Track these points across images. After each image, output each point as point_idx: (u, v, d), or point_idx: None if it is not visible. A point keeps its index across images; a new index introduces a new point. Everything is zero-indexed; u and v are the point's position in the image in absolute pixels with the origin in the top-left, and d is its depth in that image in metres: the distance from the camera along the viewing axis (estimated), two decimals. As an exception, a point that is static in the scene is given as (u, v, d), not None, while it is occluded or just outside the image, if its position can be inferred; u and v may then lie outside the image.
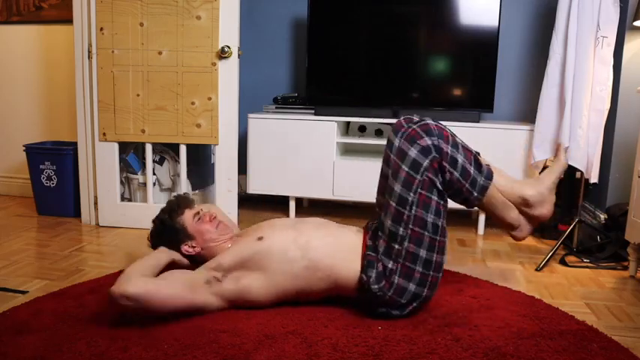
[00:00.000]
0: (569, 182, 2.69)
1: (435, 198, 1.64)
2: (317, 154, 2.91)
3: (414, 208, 1.62)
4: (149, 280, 1.61)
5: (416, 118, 1.68)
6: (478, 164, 1.69)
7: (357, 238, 1.75)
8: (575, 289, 2.08)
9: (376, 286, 1.63)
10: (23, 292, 1.91)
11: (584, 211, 2.81)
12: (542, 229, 2.83)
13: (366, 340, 1.55)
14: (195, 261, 1.86)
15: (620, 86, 2.57)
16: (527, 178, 1.81)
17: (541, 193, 1.82)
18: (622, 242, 2.34)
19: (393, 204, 1.64)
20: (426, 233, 1.63)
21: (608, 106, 2.46)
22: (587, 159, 2.49)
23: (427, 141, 1.61)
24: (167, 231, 1.86)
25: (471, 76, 2.85)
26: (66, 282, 2.02)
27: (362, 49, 2.94)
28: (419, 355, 1.47)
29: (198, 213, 1.87)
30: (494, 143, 2.72)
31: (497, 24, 2.74)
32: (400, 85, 2.91)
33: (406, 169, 1.62)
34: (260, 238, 1.73)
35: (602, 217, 2.61)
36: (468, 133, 2.74)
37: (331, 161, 2.90)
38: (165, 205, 1.92)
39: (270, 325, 1.63)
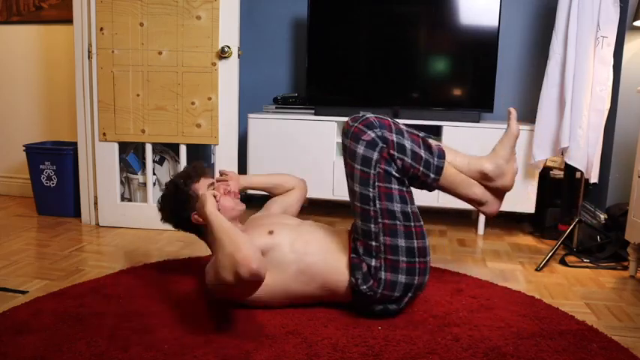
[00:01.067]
0: (570, 182, 2.69)
1: (395, 187, 1.63)
2: (317, 154, 2.91)
3: (377, 202, 1.62)
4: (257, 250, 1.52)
5: (358, 115, 1.66)
6: (427, 146, 1.68)
7: (344, 242, 1.75)
8: (575, 289, 2.08)
9: (365, 287, 1.64)
10: (23, 292, 1.91)
11: (584, 211, 2.81)
12: (542, 229, 2.84)
13: (366, 340, 1.55)
14: (201, 232, 1.85)
15: (620, 86, 2.57)
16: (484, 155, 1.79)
17: (498, 164, 1.78)
18: (622, 242, 2.34)
19: (358, 204, 1.65)
20: (398, 222, 1.63)
21: (608, 106, 2.46)
22: (587, 159, 2.49)
23: (371, 134, 1.61)
24: (179, 196, 1.84)
25: (471, 76, 2.85)
26: (66, 282, 2.02)
27: (362, 49, 2.94)
28: (419, 355, 1.47)
29: (213, 183, 1.87)
30: (494, 143, 2.69)
31: (497, 24, 2.74)
32: (400, 85, 2.91)
33: (359, 167, 1.62)
34: (271, 232, 1.73)
35: (602, 217, 2.61)
36: (468, 133, 2.75)
37: (331, 161, 2.90)
38: (181, 171, 1.90)
39: (270, 325, 1.63)
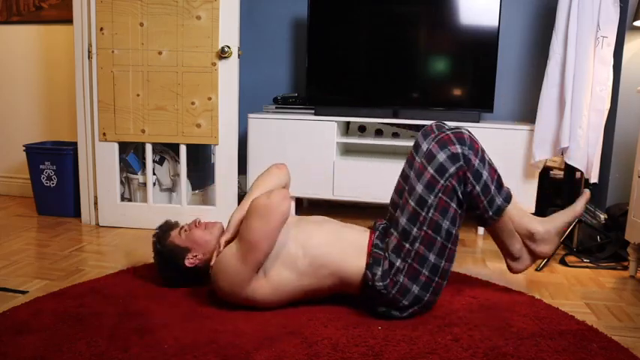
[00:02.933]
0: (570, 182, 2.68)
1: (453, 205, 1.65)
2: (317, 154, 2.91)
3: (431, 210, 1.64)
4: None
5: (450, 125, 1.72)
6: (500, 185, 1.73)
7: (361, 235, 1.75)
8: (575, 289, 2.08)
9: (381, 284, 1.64)
10: (23, 292, 1.91)
11: (584, 211, 2.81)
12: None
13: (366, 340, 1.55)
14: (207, 273, 1.82)
15: (620, 86, 2.57)
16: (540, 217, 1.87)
17: (548, 231, 1.85)
18: (622, 242, 2.34)
19: (412, 203, 1.65)
20: (439, 238, 1.64)
21: (608, 106, 2.46)
22: (587, 159, 2.50)
23: (458, 149, 1.64)
24: (165, 257, 1.86)
25: (471, 76, 2.85)
26: (66, 282, 2.02)
27: (362, 49, 2.94)
28: (419, 355, 1.47)
29: (182, 228, 1.89)
30: (494, 143, 2.71)
31: (497, 24, 2.74)
32: (400, 85, 2.91)
33: (432, 171, 1.64)
34: None
35: (602, 217, 2.61)
36: (468, 133, 2.74)
37: (331, 161, 2.90)
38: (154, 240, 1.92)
39: (270, 325, 1.63)
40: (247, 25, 3.39)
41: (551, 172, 2.91)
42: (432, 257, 1.64)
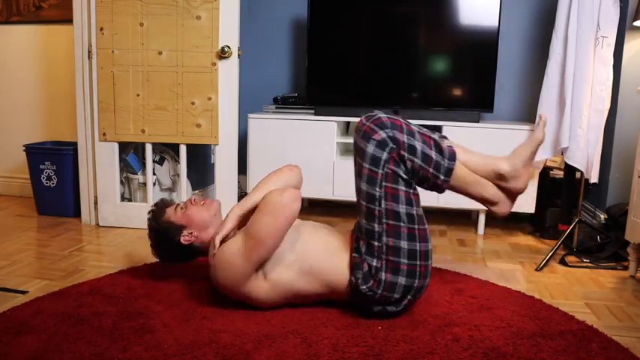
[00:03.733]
0: (570, 182, 2.69)
1: (402, 188, 1.63)
2: (317, 154, 2.91)
3: (382, 202, 1.62)
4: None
5: (373, 114, 1.66)
6: (439, 148, 1.67)
7: (345, 242, 1.76)
8: (575, 289, 2.08)
9: (365, 287, 1.64)
10: (23, 292, 1.91)
11: (584, 211, 2.81)
12: (542, 229, 2.84)
13: (366, 340, 1.55)
14: (202, 252, 1.86)
15: (620, 86, 2.57)
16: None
17: (515, 166, 1.78)
18: (622, 242, 2.34)
19: (364, 202, 1.65)
20: (402, 224, 1.63)
21: (608, 106, 2.46)
22: (587, 159, 2.50)
23: (381, 134, 1.61)
24: (160, 234, 1.86)
25: (471, 76, 2.85)
26: (66, 282, 2.02)
27: (362, 49, 2.94)
28: (419, 355, 1.47)
29: (177, 205, 1.89)
30: (494, 143, 2.71)
31: (497, 24, 2.74)
32: (400, 85, 2.91)
33: (367, 165, 1.62)
34: None
35: (602, 217, 2.61)
36: (467, 133, 2.75)
37: (331, 161, 2.91)
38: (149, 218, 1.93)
39: (270, 325, 1.63)
40: (247, 25, 3.39)
41: (551, 172, 2.91)
42: (404, 244, 1.62)
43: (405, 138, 1.62)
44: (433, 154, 1.65)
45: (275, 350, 1.48)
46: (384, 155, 1.61)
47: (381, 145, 1.61)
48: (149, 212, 1.92)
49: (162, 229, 1.85)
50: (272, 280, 1.68)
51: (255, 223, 1.62)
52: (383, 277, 1.63)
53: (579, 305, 1.91)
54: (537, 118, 1.82)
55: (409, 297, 1.68)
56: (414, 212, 1.64)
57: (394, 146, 1.61)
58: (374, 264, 1.64)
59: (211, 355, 1.45)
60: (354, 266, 1.67)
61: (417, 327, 1.64)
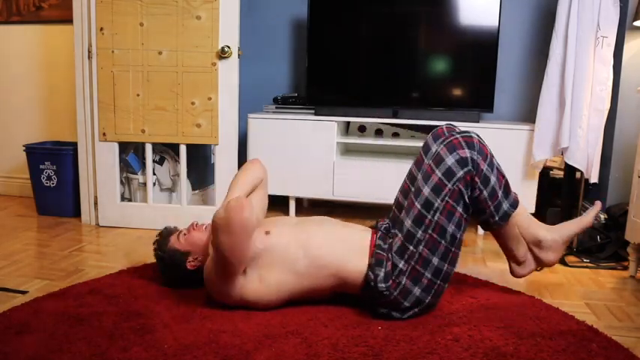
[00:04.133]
0: (570, 182, 2.68)
1: (460, 209, 1.65)
2: (317, 154, 2.91)
3: (437, 214, 1.63)
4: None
5: (460, 128, 1.72)
6: (507, 190, 1.73)
7: (363, 235, 1.75)
8: (575, 289, 2.08)
9: (383, 285, 1.63)
10: (23, 292, 1.91)
11: (584, 211, 2.81)
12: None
13: (366, 340, 1.55)
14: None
15: (620, 86, 2.57)
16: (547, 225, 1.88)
17: (555, 240, 1.85)
18: (622, 242, 2.34)
19: (418, 206, 1.65)
20: (443, 242, 1.64)
21: (608, 106, 2.47)
22: (587, 159, 2.50)
23: (467, 153, 1.64)
24: (167, 263, 1.88)
25: (471, 76, 2.85)
26: (66, 282, 2.02)
27: (362, 49, 2.94)
28: (419, 355, 1.47)
29: (180, 232, 1.90)
30: (494, 143, 2.70)
31: (497, 24, 2.74)
32: (400, 85, 2.91)
33: (439, 174, 1.64)
34: (267, 232, 1.73)
35: (602, 217, 2.61)
36: (468, 133, 2.74)
37: (331, 161, 2.90)
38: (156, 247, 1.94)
39: (270, 325, 1.63)
40: (247, 25, 3.39)
41: (551, 172, 2.91)
42: (435, 260, 1.64)
43: (484, 167, 1.66)
44: (500, 193, 1.70)
45: (275, 350, 1.48)
46: (460, 173, 1.63)
47: (462, 162, 1.63)
48: (154, 242, 1.94)
49: (168, 258, 1.87)
50: (270, 282, 1.68)
51: (214, 246, 1.62)
52: (403, 282, 1.64)
53: (579, 305, 1.91)
54: (594, 205, 1.92)
55: (416, 310, 1.69)
56: (458, 235, 1.67)
57: (472, 169, 1.64)
58: (400, 265, 1.64)
59: (211, 355, 1.45)
60: (375, 262, 1.66)
61: (417, 327, 1.64)
